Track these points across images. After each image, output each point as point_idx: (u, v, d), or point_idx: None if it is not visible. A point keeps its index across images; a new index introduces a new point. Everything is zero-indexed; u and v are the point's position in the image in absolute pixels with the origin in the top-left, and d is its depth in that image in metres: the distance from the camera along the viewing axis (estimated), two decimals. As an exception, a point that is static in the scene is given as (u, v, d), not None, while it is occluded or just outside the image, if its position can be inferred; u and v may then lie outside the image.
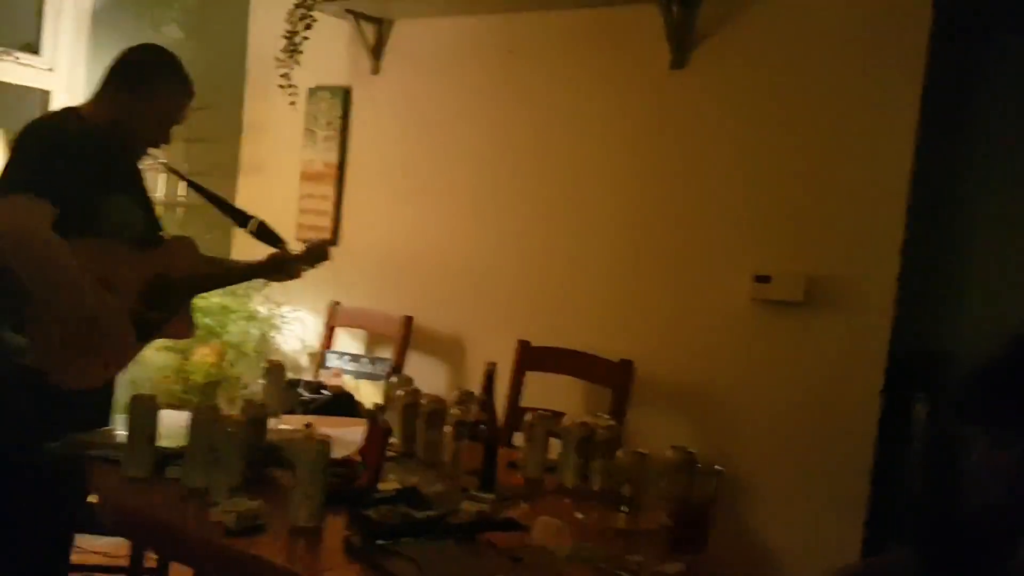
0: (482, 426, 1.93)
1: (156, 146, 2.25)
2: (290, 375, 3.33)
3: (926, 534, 1.93)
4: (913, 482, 2.36)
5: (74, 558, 2.49)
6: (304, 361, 3.59)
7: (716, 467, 1.76)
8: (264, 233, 2.35)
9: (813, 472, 2.46)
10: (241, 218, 2.37)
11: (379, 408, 1.98)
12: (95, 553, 2.91)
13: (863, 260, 2.42)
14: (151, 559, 2.85)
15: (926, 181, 2.42)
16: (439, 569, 1.42)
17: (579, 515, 1.85)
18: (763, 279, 2.54)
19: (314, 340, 3.54)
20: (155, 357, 3.18)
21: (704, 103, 2.72)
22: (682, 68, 2.73)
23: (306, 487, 1.58)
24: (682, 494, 1.72)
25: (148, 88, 2.15)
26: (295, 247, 2.43)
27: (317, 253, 2.40)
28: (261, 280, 3.25)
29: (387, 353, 3.30)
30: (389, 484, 1.83)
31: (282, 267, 2.37)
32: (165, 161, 2.73)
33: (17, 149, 2.03)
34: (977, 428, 1.31)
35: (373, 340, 3.47)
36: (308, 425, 1.80)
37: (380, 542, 1.52)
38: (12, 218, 1.89)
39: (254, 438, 1.80)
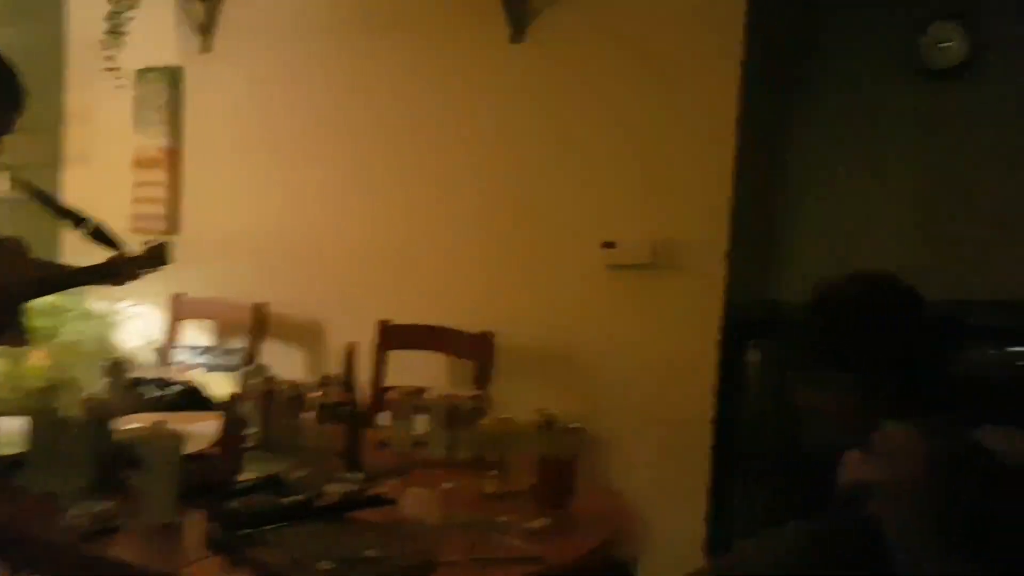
0: (344, 407, 1.92)
1: None
2: (135, 373, 3.17)
3: (769, 470, 2.09)
4: (751, 423, 2.55)
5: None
6: (149, 358, 3.41)
7: (576, 425, 1.83)
8: (101, 236, 2.21)
9: (665, 421, 2.61)
10: (75, 219, 2.22)
11: (233, 398, 1.92)
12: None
13: (699, 223, 2.57)
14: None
15: (751, 147, 2.58)
16: (307, 551, 1.41)
17: (448, 485, 1.88)
18: (610, 245, 2.64)
19: (158, 335, 3.38)
20: (-19, 366, 2.94)
21: (544, 75, 2.78)
22: (521, 42, 2.78)
23: (160, 483, 1.53)
24: (545, 453, 1.77)
25: None
26: (133, 247, 2.30)
27: (156, 254, 2.28)
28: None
29: (240, 343, 3.20)
30: (249, 475, 1.80)
31: (120, 271, 2.24)
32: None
33: None
34: (796, 372, 1.43)
35: (224, 330, 3.35)
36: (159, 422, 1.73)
37: (243, 531, 1.48)
38: None
39: (100, 438, 1.71)
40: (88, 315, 3.26)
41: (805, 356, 1.42)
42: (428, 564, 1.42)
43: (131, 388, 2.95)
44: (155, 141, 3.45)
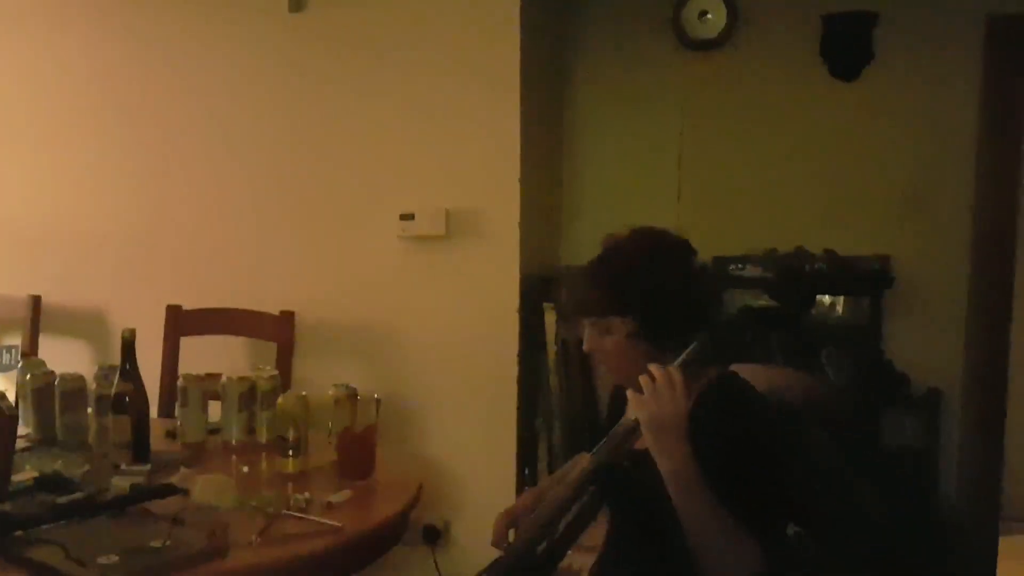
0: (126, 397, 1.83)
1: None
2: None
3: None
4: (553, 381, 2.67)
5: None
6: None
7: (375, 396, 1.85)
8: None
9: (471, 388, 2.68)
10: None
11: (1, 396, 1.78)
12: None
13: (492, 194, 2.63)
14: None
15: (531, 119, 2.68)
16: (90, 547, 1.35)
17: (245, 468, 1.85)
18: (407, 217, 2.66)
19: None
20: None
21: (328, 45, 2.73)
22: (301, 10, 2.72)
23: (-86, 494, 1.40)
24: (344, 426, 1.78)
25: None
26: None
27: None
28: None
29: (14, 339, 2.94)
30: (25, 475, 1.68)
31: None
32: None
33: None
34: (582, 321, 1.52)
35: (-5, 327, 3.07)
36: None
37: (18, 533, 1.40)
38: None
39: None
40: None
41: (588, 304, 1.50)
42: (218, 549, 1.40)
43: None
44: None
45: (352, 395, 1.85)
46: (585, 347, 1.53)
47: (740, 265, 2.82)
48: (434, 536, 2.72)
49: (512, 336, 2.64)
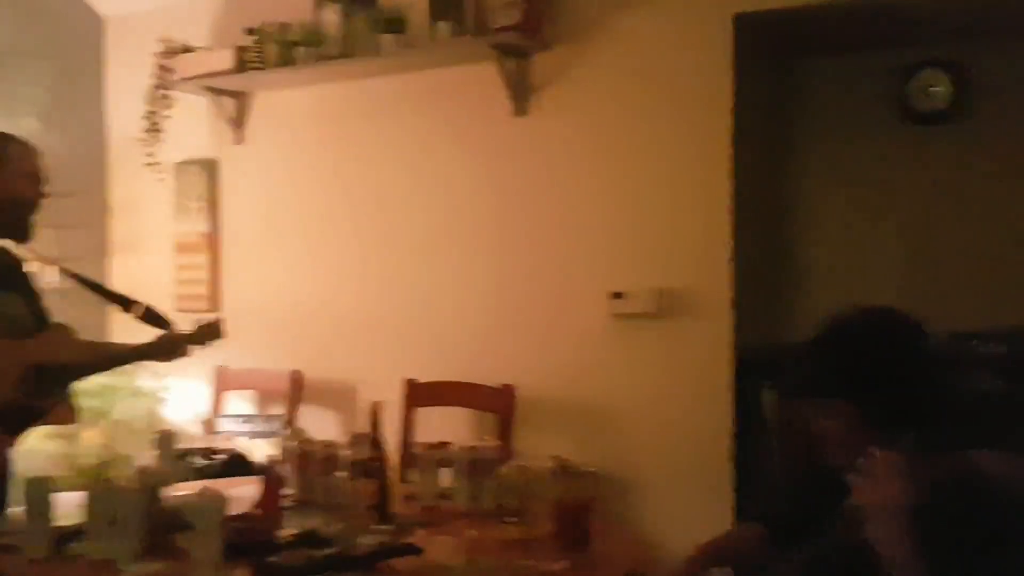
0: (373, 463, 2.05)
1: (16, 237, 2.27)
2: (182, 445, 3.35)
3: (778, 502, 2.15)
4: (771, 462, 2.62)
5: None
6: (196, 429, 3.59)
7: (590, 470, 1.94)
8: (151, 317, 2.38)
9: (682, 465, 2.70)
10: (124, 303, 2.39)
11: (270, 460, 2.07)
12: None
13: (702, 271, 2.70)
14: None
15: (747, 197, 2.72)
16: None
17: (473, 532, 2.00)
18: (618, 295, 2.78)
19: (204, 407, 3.56)
20: (42, 445, 3.14)
21: (549, 143, 2.97)
22: (524, 115, 2.98)
23: (206, 544, 1.66)
24: (560, 498, 1.88)
25: None
26: (182, 326, 2.46)
27: (209, 331, 2.41)
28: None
29: (279, 409, 3.37)
30: (288, 531, 1.93)
31: (172, 348, 2.40)
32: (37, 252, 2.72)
33: None
34: (803, 402, 1.52)
35: (264, 398, 3.52)
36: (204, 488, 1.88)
37: (285, 582, 1.62)
38: None
39: (151, 505, 1.86)
40: (137, 392, 3.45)
41: (810, 385, 1.50)
42: (452, 604, 1.54)
43: (180, 459, 3.14)
44: (195, 227, 3.69)
45: (567, 467, 1.95)
46: (801, 427, 1.52)
47: (978, 342, 2.62)
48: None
49: (725, 415, 2.64)
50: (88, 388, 3.30)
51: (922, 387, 1.42)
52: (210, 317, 2.40)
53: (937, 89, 2.88)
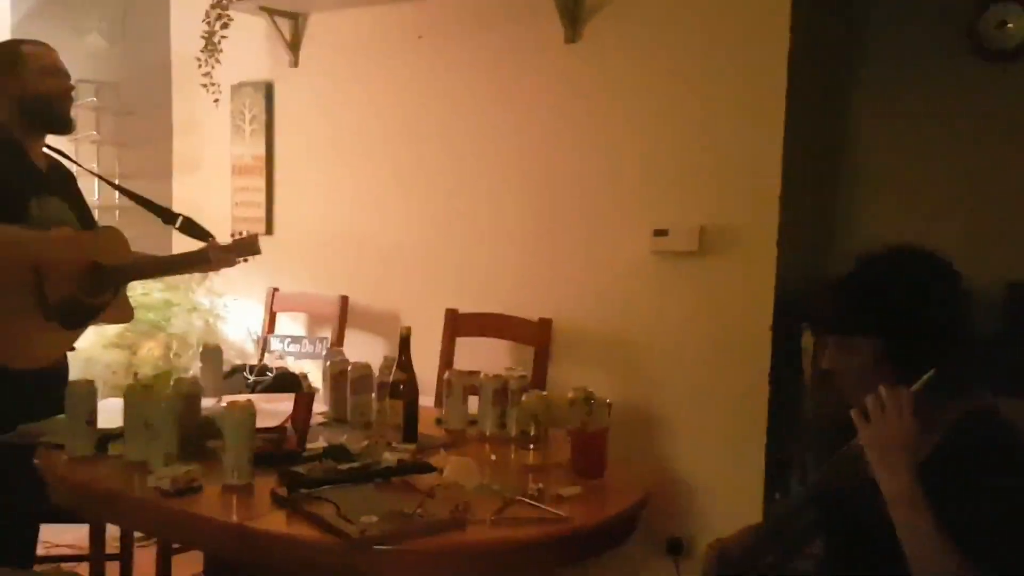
0: (401, 385, 2.11)
1: (58, 129, 2.37)
2: (237, 361, 3.49)
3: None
4: (806, 405, 2.59)
5: (39, 551, 2.62)
6: (250, 347, 3.73)
7: (607, 401, 1.95)
8: (191, 228, 2.50)
9: (718, 404, 2.68)
10: (167, 216, 2.52)
11: (303, 377, 2.14)
12: (59, 546, 3.05)
13: (748, 209, 2.63)
14: (113, 545, 3.00)
15: (799, 130, 2.62)
16: (356, 507, 1.60)
17: (493, 456, 2.05)
18: (661, 232, 2.74)
19: (258, 326, 3.69)
20: (103, 354, 3.31)
21: (599, 72, 2.90)
22: (576, 42, 2.91)
23: (235, 448, 1.75)
24: (578, 426, 1.91)
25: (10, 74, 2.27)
26: (226, 240, 2.55)
27: (246, 245, 2.52)
28: (202, 273, 3.41)
29: (327, 332, 3.46)
30: (317, 445, 2.01)
31: (212, 258, 2.50)
32: (92, 167, 2.85)
33: None
34: (828, 336, 1.51)
35: (313, 321, 3.63)
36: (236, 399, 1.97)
37: (303, 491, 1.69)
38: None
39: (188, 412, 1.95)
40: (195, 308, 3.60)
41: (837, 320, 1.48)
42: (459, 522, 1.59)
43: (233, 374, 3.28)
44: (250, 150, 3.76)
45: (587, 398, 1.97)
46: (824, 364, 1.51)
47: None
48: (678, 548, 2.76)
49: (764, 355, 2.61)
50: (148, 303, 3.46)
51: (950, 326, 1.40)
52: (248, 233, 2.48)
53: (1011, 26, 2.71)
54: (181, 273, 2.79)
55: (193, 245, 2.52)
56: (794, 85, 2.58)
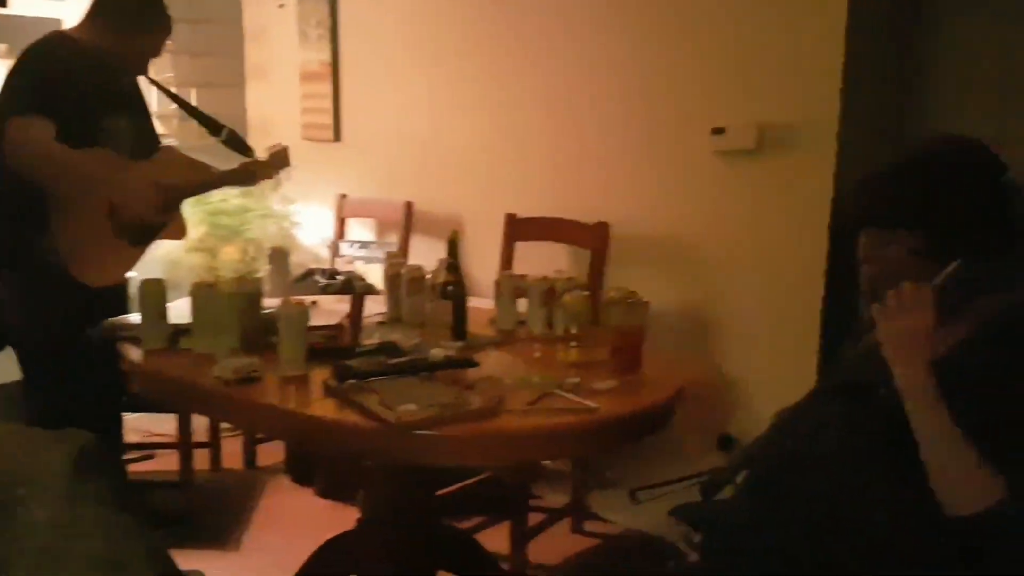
0: (450, 286, 2.19)
1: (139, 74, 2.50)
2: (312, 265, 3.65)
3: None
4: (861, 307, 2.55)
5: (137, 439, 2.88)
6: (325, 252, 3.88)
7: (644, 300, 1.98)
8: (234, 142, 2.60)
9: (772, 307, 2.67)
10: (214, 127, 2.62)
11: (356, 277, 2.24)
12: (156, 435, 3.33)
13: (807, 106, 2.53)
14: (203, 435, 3.26)
15: (863, 24, 2.49)
16: (398, 397, 1.70)
17: (538, 354, 2.12)
18: (719, 131, 2.68)
19: (329, 232, 3.83)
20: (186, 257, 3.52)
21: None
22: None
23: (289, 343, 1.87)
24: (616, 324, 1.95)
25: (130, 32, 2.39)
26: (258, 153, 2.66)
27: (279, 159, 2.64)
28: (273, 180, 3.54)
29: (394, 237, 3.57)
30: (372, 341, 2.12)
31: (252, 174, 2.62)
32: (152, 76, 2.96)
33: (17, 72, 2.30)
34: (865, 231, 1.49)
35: (381, 226, 3.73)
36: (313, 303, 2.09)
37: (352, 382, 1.81)
38: (25, 135, 2.18)
39: (250, 309, 2.09)
40: (269, 214, 3.75)
41: (877, 211, 1.46)
42: (491, 410, 1.67)
43: (304, 278, 3.44)
44: (317, 56, 3.81)
45: (626, 297, 2.00)
46: (860, 254, 1.49)
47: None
48: (729, 445, 2.81)
49: (820, 256, 2.57)
50: (225, 208, 3.63)
51: (989, 220, 1.36)
52: (278, 145, 2.57)
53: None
54: (230, 186, 2.91)
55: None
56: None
